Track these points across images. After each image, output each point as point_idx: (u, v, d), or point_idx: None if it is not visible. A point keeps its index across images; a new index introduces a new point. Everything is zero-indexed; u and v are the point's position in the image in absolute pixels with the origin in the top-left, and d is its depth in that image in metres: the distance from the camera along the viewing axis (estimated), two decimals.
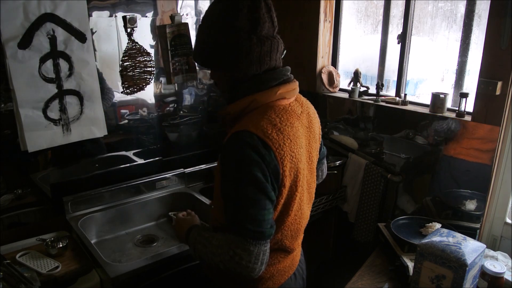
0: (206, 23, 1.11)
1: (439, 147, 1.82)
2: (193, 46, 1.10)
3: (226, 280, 1.25)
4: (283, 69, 1.15)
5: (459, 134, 1.74)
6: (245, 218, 1.02)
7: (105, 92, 1.90)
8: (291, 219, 1.17)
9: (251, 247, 1.02)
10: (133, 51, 1.92)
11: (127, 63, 1.91)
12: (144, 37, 1.97)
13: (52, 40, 1.67)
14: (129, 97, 2.01)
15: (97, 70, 1.83)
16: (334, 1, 2.29)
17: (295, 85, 1.18)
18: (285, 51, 1.19)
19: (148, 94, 2.08)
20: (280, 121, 1.09)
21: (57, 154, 1.85)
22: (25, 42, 1.60)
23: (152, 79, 2.02)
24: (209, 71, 1.26)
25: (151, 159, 2.17)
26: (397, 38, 2.03)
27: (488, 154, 1.65)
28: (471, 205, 1.73)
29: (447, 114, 1.82)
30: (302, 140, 1.15)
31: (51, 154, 1.84)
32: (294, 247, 1.25)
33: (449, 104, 1.85)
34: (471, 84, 1.81)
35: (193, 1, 2.14)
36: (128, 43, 1.90)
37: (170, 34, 1.98)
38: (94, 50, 1.81)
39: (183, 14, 2.07)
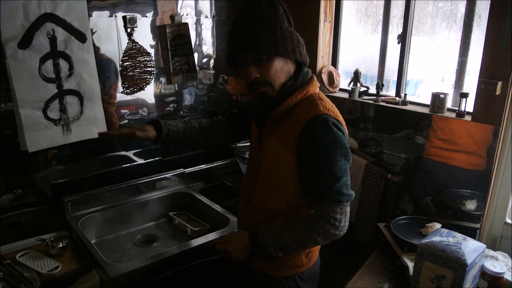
0: (265, 18, 1.18)
1: (439, 147, 1.82)
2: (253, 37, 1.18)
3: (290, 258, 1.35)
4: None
5: (459, 134, 1.74)
6: (341, 186, 1.18)
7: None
8: None
9: (346, 208, 1.21)
10: (133, 51, 1.92)
11: (127, 63, 1.91)
12: (144, 37, 1.97)
13: (52, 40, 1.67)
14: (129, 97, 2.01)
15: (93, 44, 1.81)
16: (334, 1, 2.29)
17: None
18: None
19: (148, 94, 2.08)
20: (330, 104, 1.27)
21: (58, 154, 1.85)
22: (25, 42, 1.60)
23: (152, 79, 2.02)
24: (211, 71, 1.31)
25: (151, 159, 2.17)
26: (397, 38, 2.03)
27: (488, 154, 1.65)
28: (471, 205, 1.73)
29: (447, 114, 1.82)
30: None
31: (51, 154, 1.84)
32: None
33: (449, 104, 1.85)
34: (471, 84, 1.81)
35: (193, 1, 2.14)
36: (128, 43, 1.90)
37: (170, 34, 1.98)
38: (94, 50, 1.81)
39: (183, 14, 2.07)
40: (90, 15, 1.77)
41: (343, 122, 1.25)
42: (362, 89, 2.21)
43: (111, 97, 1.94)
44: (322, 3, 2.23)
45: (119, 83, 1.94)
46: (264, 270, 1.37)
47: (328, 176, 1.18)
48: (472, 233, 1.71)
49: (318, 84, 1.32)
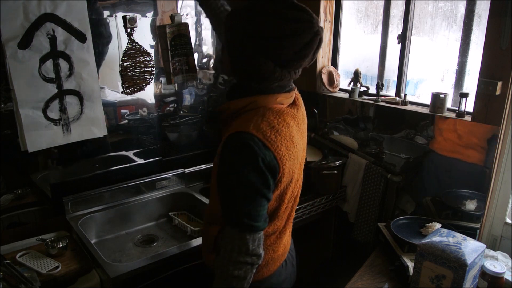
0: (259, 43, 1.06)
1: (439, 147, 1.82)
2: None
3: None
4: (289, 81, 1.19)
5: (459, 134, 1.74)
6: (241, 214, 1.10)
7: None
8: (284, 208, 1.25)
9: (247, 236, 1.11)
10: (133, 51, 1.92)
11: (127, 63, 1.91)
12: (144, 37, 1.97)
13: (52, 40, 1.67)
14: (129, 97, 2.01)
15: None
16: (334, 1, 2.29)
17: (294, 93, 1.24)
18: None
19: (148, 94, 2.08)
20: (277, 122, 1.14)
21: (58, 154, 1.85)
22: (25, 42, 1.60)
23: (152, 79, 2.02)
24: (211, 71, 1.29)
25: (151, 159, 2.17)
26: (397, 38, 2.03)
27: (488, 154, 1.65)
28: (471, 205, 1.73)
29: (447, 114, 1.82)
30: (297, 137, 1.21)
31: (51, 154, 1.84)
32: (285, 232, 1.34)
33: (449, 104, 1.86)
34: (471, 84, 1.81)
35: (193, 1, 2.14)
36: (128, 43, 1.90)
37: (170, 34, 1.97)
38: (94, 50, 1.81)
39: (183, 14, 2.07)
40: (90, 15, 1.77)
41: (278, 148, 1.10)
42: (362, 89, 2.21)
43: None
44: (322, 3, 2.23)
45: (119, 83, 1.94)
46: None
47: (228, 201, 1.13)
48: (472, 233, 1.71)
49: (280, 98, 1.18)
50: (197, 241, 1.72)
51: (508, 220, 1.68)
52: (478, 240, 1.68)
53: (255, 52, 1.06)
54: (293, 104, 1.24)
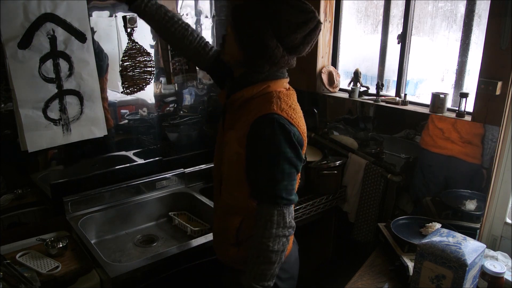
0: (270, 24, 1.18)
1: (438, 147, 1.82)
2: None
3: None
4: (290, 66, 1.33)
5: (459, 134, 1.74)
6: (280, 189, 1.19)
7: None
8: (298, 182, 1.33)
9: (285, 210, 1.20)
10: (133, 51, 1.92)
11: (127, 63, 1.91)
12: (144, 37, 1.97)
13: (52, 40, 1.67)
14: (129, 97, 2.01)
15: (94, 42, 1.81)
16: (334, 1, 2.29)
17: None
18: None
19: (148, 94, 2.08)
20: (291, 102, 1.27)
21: (58, 154, 1.85)
22: (25, 42, 1.60)
23: (152, 79, 2.01)
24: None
25: (151, 159, 2.17)
26: (397, 38, 2.03)
27: (488, 154, 1.65)
28: (471, 205, 1.73)
29: (447, 114, 1.82)
30: None
31: (51, 154, 1.84)
32: None
33: (449, 104, 1.85)
34: (471, 84, 1.81)
35: (193, 1, 2.14)
36: (128, 43, 1.90)
37: None
38: (94, 50, 1.81)
39: (183, 14, 2.07)
40: (90, 15, 1.77)
41: (298, 123, 1.24)
42: (362, 89, 2.21)
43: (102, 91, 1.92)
44: (322, 3, 2.23)
45: (119, 83, 1.94)
46: (234, 266, 1.41)
47: (267, 178, 1.20)
48: (472, 233, 1.71)
49: (285, 83, 1.32)
50: (197, 241, 1.73)
51: (508, 220, 1.68)
52: (478, 240, 1.68)
53: (271, 36, 1.17)
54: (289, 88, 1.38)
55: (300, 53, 1.26)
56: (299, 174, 1.30)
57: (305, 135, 1.29)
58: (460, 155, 1.75)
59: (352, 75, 2.22)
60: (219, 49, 1.51)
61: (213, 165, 1.48)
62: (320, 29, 1.25)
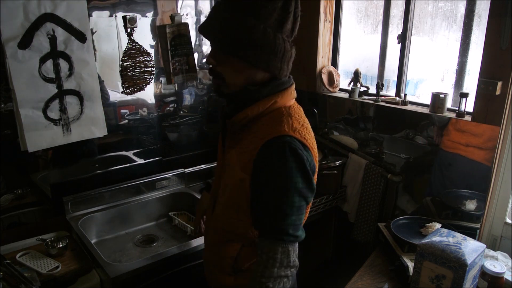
0: (241, 8, 1.02)
1: (439, 148, 1.82)
2: (213, 27, 1.06)
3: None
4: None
5: (459, 134, 1.74)
6: (287, 225, 1.04)
7: (102, 93, 1.88)
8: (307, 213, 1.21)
9: (290, 248, 1.05)
10: (133, 51, 1.92)
11: (127, 63, 1.91)
12: (144, 37, 1.97)
13: (52, 40, 1.67)
14: (129, 97, 2.01)
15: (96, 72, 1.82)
16: (334, 1, 2.29)
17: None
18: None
19: (148, 94, 2.08)
20: (302, 119, 1.12)
21: (58, 154, 1.85)
22: (25, 42, 1.60)
23: (152, 79, 2.02)
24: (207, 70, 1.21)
25: (151, 159, 2.17)
26: (397, 38, 2.03)
27: (488, 154, 1.65)
28: (471, 205, 1.73)
29: (447, 114, 1.82)
30: None
31: (51, 154, 1.84)
32: None
33: (449, 104, 1.85)
34: (471, 84, 1.81)
35: (193, 1, 2.14)
36: (128, 43, 1.90)
37: (170, 34, 1.98)
38: (94, 50, 1.81)
39: (183, 14, 2.07)
40: (90, 15, 1.77)
41: (312, 146, 1.10)
42: (362, 89, 2.21)
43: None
44: (322, 3, 2.23)
45: (119, 83, 1.94)
46: None
47: (274, 211, 1.04)
48: (472, 233, 1.71)
49: (293, 97, 1.16)
50: (197, 241, 1.72)
51: (508, 220, 1.68)
52: (478, 240, 1.68)
53: (264, 29, 1.02)
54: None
55: (292, 30, 1.10)
56: (309, 205, 1.14)
57: (317, 159, 1.14)
58: (461, 156, 1.75)
59: (352, 75, 2.22)
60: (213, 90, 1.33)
61: (213, 165, 1.46)
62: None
